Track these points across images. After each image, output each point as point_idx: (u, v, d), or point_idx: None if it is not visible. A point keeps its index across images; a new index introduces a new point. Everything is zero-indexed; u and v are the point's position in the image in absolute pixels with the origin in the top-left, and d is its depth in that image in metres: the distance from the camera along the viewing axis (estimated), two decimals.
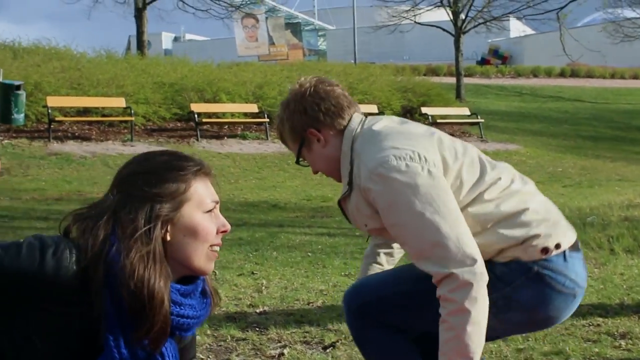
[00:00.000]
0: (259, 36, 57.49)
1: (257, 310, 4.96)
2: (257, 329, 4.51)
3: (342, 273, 6.25)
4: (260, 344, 4.22)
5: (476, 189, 2.55)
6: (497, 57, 55.16)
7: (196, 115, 17.89)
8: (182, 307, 1.96)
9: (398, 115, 12.42)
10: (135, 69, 20.17)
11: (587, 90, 35.17)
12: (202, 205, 2.00)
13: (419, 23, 32.06)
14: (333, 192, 12.83)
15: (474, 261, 2.37)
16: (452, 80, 30.73)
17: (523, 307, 2.55)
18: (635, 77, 44.08)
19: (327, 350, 4.10)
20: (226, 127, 18.95)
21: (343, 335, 4.30)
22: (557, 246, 2.54)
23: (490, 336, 2.57)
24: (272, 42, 59.03)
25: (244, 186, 13.54)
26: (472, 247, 2.39)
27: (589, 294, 5.47)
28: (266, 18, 56.53)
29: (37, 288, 1.79)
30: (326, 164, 2.76)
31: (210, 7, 23.45)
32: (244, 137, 18.49)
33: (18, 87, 12.73)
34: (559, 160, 19.35)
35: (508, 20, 38.65)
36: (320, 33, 66.30)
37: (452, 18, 29.62)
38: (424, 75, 35.52)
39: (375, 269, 3.06)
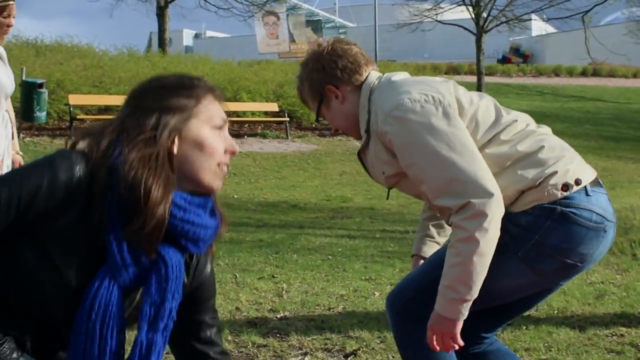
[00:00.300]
0: (279, 33, 57.48)
1: (278, 316, 4.96)
2: (278, 335, 4.51)
3: (363, 277, 6.22)
4: (282, 350, 4.22)
5: (492, 131, 2.56)
6: (518, 56, 54.89)
7: None
8: (186, 212, 1.96)
9: None
10: (156, 67, 20.23)
11: (609, 89, 34.93)
12: (211, 120, 2.04)
13: (440, 22, 31.97)
14: (353, 192, 12.85)
15: (491, 194, 2.37)
16: (473, 79, 30.61)
17: (556, 250, 2.48)
18: None
19: (349, 359, 4.09)
20: (246, 125, 19.00)
21: (364, 343, 4.29)
22: (577, 182, 2.49)
23: (534, 296, 2.66)
24: (292, 40, 59.04)
25: (264, 185, 13.56)
26: (489, 180, 2.40)
27: (611, 302, 5.45)
28: (287, 15, 56.52)
29: (55, 196, 1.82)
30: (344, 121, 2.79)
31: (232, 6, 23.51)
32: (264, 136, 18.52)
33: (40, 86, 12.77)
34: None
35: (530, 19, 38.46)
36: (341, 31, 66.11)
37: (474, 17, 29.48)
38: (445, 73, 35.45)
39: (427, 242, 3.07)
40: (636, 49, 36.29)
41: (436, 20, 31.82)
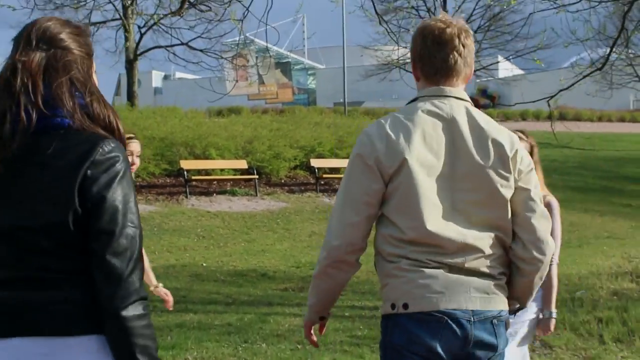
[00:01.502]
0: (248, 75, 57.70)
1: None
2: None
3: None
4: None
5: None
6: (485, 97, 55.49)
7: (185, 172, 17.91)
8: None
9: None
10: (126, 121, 20.11)
11: (575, 136, 35.39)
12: None
13: (408, 71, 32.24)
14: None
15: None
16: None
17: None
18: (622, 120, 44.43)
19: None
20: (215, 183, 18.98)
21: None
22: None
23: None
24: (262, 82, 59.32)
25: (233, 251, 13.50)
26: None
27: None
28: (256, 58, 56.72)
29: None
30: None
31: (201, 60, 23.64)
32: (233, 193, 18.50)
33: None
34: None
35: (497, 62, 38.97)
36: (310, 72, 66.58)
37: None
38: None
39: None
40: (600, 93, 36.77)
41: (404, 70, 32.09)
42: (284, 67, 61.33)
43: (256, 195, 18.52)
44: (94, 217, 2.05)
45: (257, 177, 18.82)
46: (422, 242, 2.64)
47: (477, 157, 2.71)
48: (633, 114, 46.70)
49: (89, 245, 2.05)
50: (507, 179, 2.72)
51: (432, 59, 2.78)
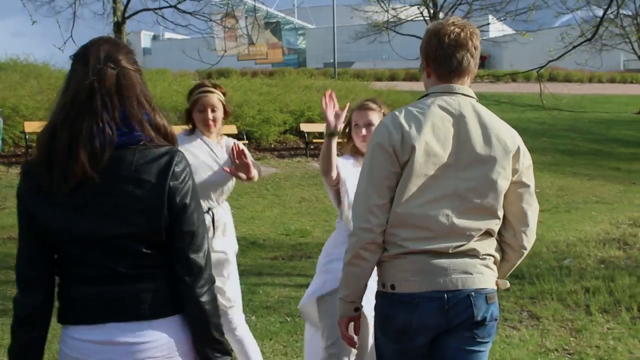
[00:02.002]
0: (238, 35, 57.13)
1: None
2: None
3: None
4: None
5: None
6: None
7: None
8: None
9: None
10: None
11: (565, 97, 35.39)
12: None
13: (398, 33, 32.14)
14: (312, 224, 12.89)
15: None
16: None
17: None
18: (612, 81, 44.45)
19: None
20: None
21: None
22: None
23: None
24: (251, 42, 58.90)
25: None
26: None
27: None
28: (246, 17, 56.19)
29: None
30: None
31: (190, 23, 23.37)
32: None
33: None
34: (537, 179, 19.03)
35: (488, 24, 38.79)
36: (299, 32, 66.24)
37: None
38: (402, 80, 35.63)
39: None
40: (591, 52, 36.66)
41: (395, 32, 31.99)
42: (274, 26, 60.83)
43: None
44: (179, 222, 2.47)
45: (246, 142, 18.78)
46: (410, 225, 2.97)
47: (481, 150, 3.01)
48: (623, 75, 46.74)
49: (173, 244, 2.49)
50: (505, 171, 3.03)
51: (449, 61, 3.07)
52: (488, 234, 3.06)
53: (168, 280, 2.50)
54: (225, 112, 4.79)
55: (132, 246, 2.44)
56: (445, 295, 2.94)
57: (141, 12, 23.64)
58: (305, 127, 20.73)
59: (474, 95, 3.13)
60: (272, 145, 20.26)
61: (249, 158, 4.65)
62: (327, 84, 25.62)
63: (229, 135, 17.91)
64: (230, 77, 29.35)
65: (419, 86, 32.06)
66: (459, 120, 3.03)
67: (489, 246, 3.06)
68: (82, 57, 2.49)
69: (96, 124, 2.40)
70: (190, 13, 23.55)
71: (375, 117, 4.30)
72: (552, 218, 13.81)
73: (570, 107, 30.75)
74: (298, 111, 21.58)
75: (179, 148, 2.57)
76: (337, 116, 4.14)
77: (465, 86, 3.11)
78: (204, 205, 4.54)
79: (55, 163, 2.39)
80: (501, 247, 3.15)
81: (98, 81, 2.43)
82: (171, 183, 2.44)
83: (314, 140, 20.54)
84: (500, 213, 3.06)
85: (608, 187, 18.38)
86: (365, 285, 3.11)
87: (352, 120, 4.38)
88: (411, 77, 37.67)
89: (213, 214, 4.70)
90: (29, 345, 2.57)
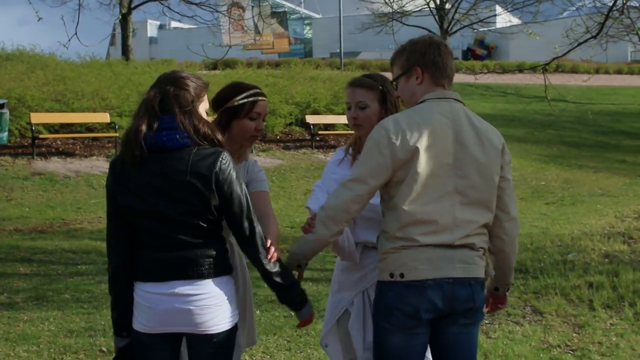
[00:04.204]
0: (244, 25, 57.07)
1: None
2: None
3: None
4: None
5: None
6: (482, 48, 55.19)
7: None
8: None
9: None
10: (119, 78, 20.10)
11: (572, 89, 35.33)
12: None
13: (405, 24, 32.05)
14: None
15: None
16: None
17: None
18: (619, 72, 44.27)
19: None
20: None
21: None
22: None
23: None
24: (257, 32, 58.78)
25: None
26: None
27: None
28: (252, 7, 56.06)
29: None
30: (409, 96, 3.49)
31: (196, 14, 23.42)
32: None
33: (1, 106, 12.87)
34: (543, 171, 19.44)
35: (495, 15, 38.65)
36: (306, 22, 66.00)
37: (437, 21, 29.62)
38: None
39: None
40: (596, 47, 36.49)
41: (401, 23, 31.89)
42: (280, 16, 60.64)
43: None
44: (228, 204, 3.26)
45: None
46: (420, 222, 3.25)
47: (476, 150, 3.33)
48: (630, 66, 46.52)
49: (229, 219, 3.30)
50: (497, 167, 3.39)
51: (445, 67, 3.43)
52: (484, 227, 3.39)
53: (219, 249, 3.32)
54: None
55: (191, 220, 3.23)
56: (451, 281, 3.26)
57: (147, 2, 23.65)
58: (310, 119, 20.73)
59: (462, 100, 3.46)
60: (278, 137, 20.27)
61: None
62: (332, 75, 25.59)
63: None
64: (236, 67, 29.29)
65: None
66: (454, 124, 3.33)
67: (483, 241, 3.39)
68: (170, 80, 3.38)
69: (178, 129, 3.27)
70: (196, 4, 23.59)
71: (369, 96, 3.87)
72: (557, 211, 13.82)
73: (576, 98, 30.69)
74: (304, 103, 21.58)
75: None
76: None
77: (454, 92, 3.46)
78: None
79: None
80: (491, 239, 3.48)
81: (174, 96, 3.31)
82: (218, 175, 3.21)
83: (320, 132, 20.55)
84: (494, 205, 3.40)
85: (614, 180, 18.37)
86: (314, 253, 3.51)
87: None
88: None
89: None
90: (119, 292, 3.39)
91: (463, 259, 3.30)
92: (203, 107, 3.37)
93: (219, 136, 3.32)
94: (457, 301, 3.29)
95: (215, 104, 3.81)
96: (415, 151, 3.22)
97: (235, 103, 3.74)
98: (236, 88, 3.81)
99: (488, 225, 3.41)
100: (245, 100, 3.75)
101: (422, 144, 3.24)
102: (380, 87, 3.87)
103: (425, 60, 3.42)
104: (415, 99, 3.43)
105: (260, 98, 3.77)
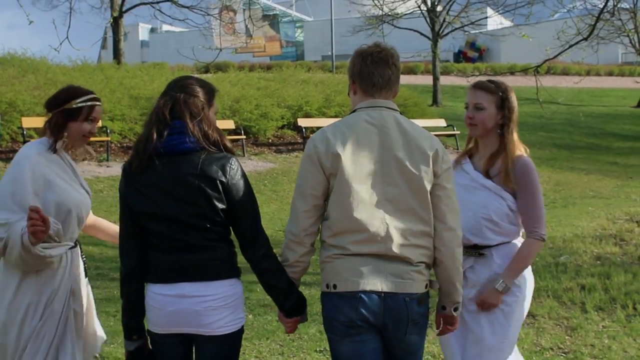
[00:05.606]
0: (236, 28, 56.99)
1: None
2: None
3: (317, 348, 6.27)
4: None
5: None
6: (474, 50, 55.29)
7: None
8: None
9: None
10: (111, 81, 20.06)
11: (563, 91, 35.44)
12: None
13: (397, 27, 32.06)
14: None
15: None
16: (430, 80, 30.75)
17: None
18: (610, 74, 44.43)
19: None
20: None
21: None
22: None
23: None
24: (249, 35, 58.74)
25: None
26: None
27: None
28: (244, 10, 56.04)
29: None
30: (353, 107, 3.54)
31: (187, 17, 23.40)
32: None
33: None
34: None
35: (486, 17, 38.70)
36: (297, 24, 66.01)
37: (429, 23, 29.64)
38: (401, 73, 35.51)
39: None
40: (587, 49, 36.56)
41: (393, 25, 31.91)
42: (272, 19, 60.67)
43: (243, 156, 18.51)
44: (236, 207, 3.37)
45: (244, 137, 18.81)
46: (350, 230, 3.30)
47: (402, 156, 3.32)
48: (621, 68, 46.72)
49: (235, 222, 3.41)
50: (427, 173, 3.33)
51: (371, 75, 3.41)
52: (422, 237, 3.35)
53: (227, 251, 3.42)
54: None
55: (199, 223, 3.33)
56: (383, 295, 3.28)
57: (139, 5, 23.63)
58: (302, 122, 20.73)
59: (397, 108, 3.47)
60: (270, 140, 20.27)
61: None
62: (324, 78, 25.60)
63: (225, 130, 17.77)
64: (227, 71, 29.28)
65: (417, 80, 32.15)
66: (381, 131, 3.36)
67: (421, 254, 3.36)
68: (178, 86, 3.51)
69: (189, 134, 3.40)
70: (187, 7, 23.59)
71: (488, 99, 4.02)
72: (549, 213, 13.81)
73: (568, 100, 30.76)
74: (296, 106, 21.58)
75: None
76: None
77: (388, 100, 3.45)
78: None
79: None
80: (434, 251, 3.43)
81: (186, 102, 3.44)
82: (228, 181, 3.35)
83: (311, 135, 20.51)
84: (430, 214, 3.36)
85: (605, 182, 18.40)
86: (298, 276, 3.57)
87: None
88: (409, 71, 37.73)
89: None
90: (130, 295, 3.47)
91: (396, 272, 3.30)
92: (212, 112, 3.50)
93: (228, 142, 3.47)
94: (390, 317, 3.30)
95: (51, 105, 3.91)
96: (338, 158, 3.28)
97: (74, 105, 3.86)
98: (74, 91, 3.94)
99: (426, 233, 3.35)
100: (84, 104, 3.88)
101: (346, 151, 3.30)
102: (500, 94, 4.03)
103: (354, 71, 3.49)
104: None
105: (97, 103, 3.95)
